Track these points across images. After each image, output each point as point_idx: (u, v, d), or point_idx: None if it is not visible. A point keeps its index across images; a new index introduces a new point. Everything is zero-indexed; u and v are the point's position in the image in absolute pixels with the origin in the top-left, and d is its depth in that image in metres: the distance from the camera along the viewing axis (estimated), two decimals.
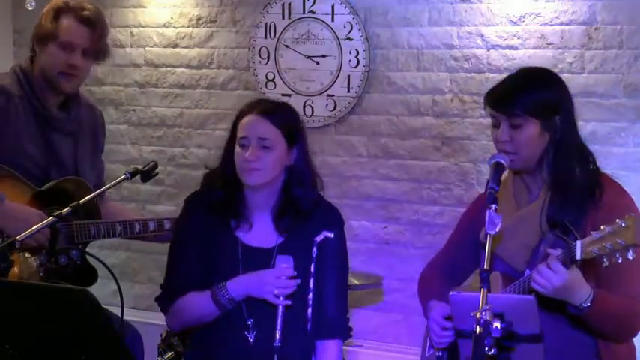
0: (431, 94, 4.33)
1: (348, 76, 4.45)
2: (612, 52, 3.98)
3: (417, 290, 3.04)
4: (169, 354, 3.11)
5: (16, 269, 2.96)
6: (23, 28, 4.97)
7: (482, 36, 4.20)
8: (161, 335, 3.16)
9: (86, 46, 3.19)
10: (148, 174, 3.11)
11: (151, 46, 4.92)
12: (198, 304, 2.78)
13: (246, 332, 2.76)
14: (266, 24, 4.61)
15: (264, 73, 4.64)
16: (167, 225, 3.33)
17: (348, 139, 4.52)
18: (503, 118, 2.69)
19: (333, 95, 4.49)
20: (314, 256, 2.77)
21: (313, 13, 4.50)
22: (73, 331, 2.28)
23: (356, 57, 4.42)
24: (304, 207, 2.82)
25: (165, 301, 2.85)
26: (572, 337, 2.65)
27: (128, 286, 4.85)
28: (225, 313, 2.75)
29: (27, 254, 3.03)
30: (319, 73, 4.52)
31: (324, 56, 4.50)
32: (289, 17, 4.56)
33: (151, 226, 3.31)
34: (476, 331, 2.16)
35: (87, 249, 3.20)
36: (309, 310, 2.77)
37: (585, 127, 3.87)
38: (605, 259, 2.36)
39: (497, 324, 2.18)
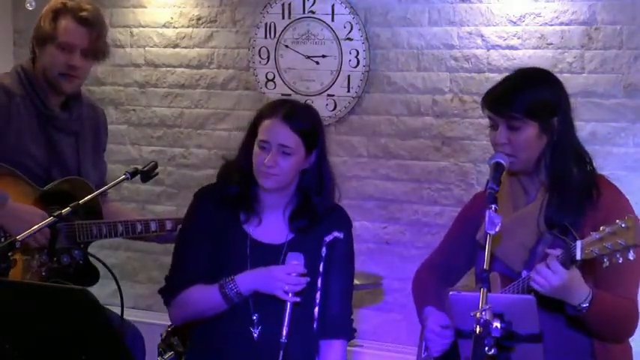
0: (431, 94, 4.32)
1: (348, 76, 4.45)
2: (612, 52, 3.98)
3: (411, 290, 3.04)
4: (169, 354, 3.10)
5: (17, 269, 2.97)
6: (23, 28, 4.97)
7: (482, 36, 4.20)
8: (161, 335, 3.16)
9: (85, 47, 3.19)
10: (148, 174, 3.11)
11: (151, 46, 4.92)
12: (204, 297, 2.75)
13: (250, 328, 2.75)
14: (266, 24, 4.61)
15: (264, 73, 4.64)
16: (169, 225, 3.34)
17: (348, 139, 4.51)
18: (501, 120, 2.67)
19: (333, 95, 4.49)
20: (323, 255, 2.78)
21: (313, 13, 4.50)
22: (73, 331, 2.28)
23: (356, 57, 4.42)
24: (320, 212, 2.82)
25: (170, 293, 2.82)
26: (568, 337, 2.64)
27: (128, 286, 4.85)
28: (231, 307, 2.73)
29: (28, 254, 3.03)
30: (319, 73, 4.52)
31: (324, 56, 4.50)
32: (289, 17, 4.55)
33: (153, 226, 3.32)
34: (476, 331, 2.16)
35: (87, 249, 3.20)
36: (316, 310, 2.77)
37: (585, 127, 3.88)
38: (605, 260, 2.37)
39: (497, 324, 2.18)
